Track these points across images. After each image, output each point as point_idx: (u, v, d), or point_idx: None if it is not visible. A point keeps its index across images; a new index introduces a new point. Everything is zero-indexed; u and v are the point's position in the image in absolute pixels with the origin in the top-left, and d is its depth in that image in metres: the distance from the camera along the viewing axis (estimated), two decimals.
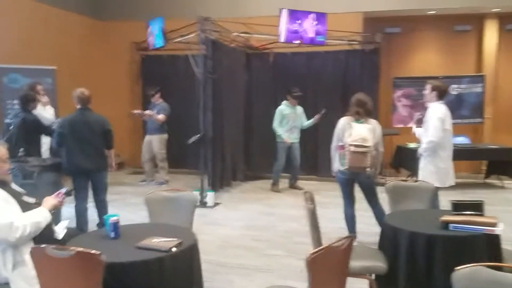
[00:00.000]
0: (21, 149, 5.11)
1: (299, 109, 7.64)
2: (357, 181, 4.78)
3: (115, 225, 2.90)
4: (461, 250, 2.94)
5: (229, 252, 4.78)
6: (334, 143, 4.85)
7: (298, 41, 7.58)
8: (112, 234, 2.89)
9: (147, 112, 8.00)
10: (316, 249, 2.22)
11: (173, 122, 8.59)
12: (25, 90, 6.02)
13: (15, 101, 7.08)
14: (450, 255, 2.93)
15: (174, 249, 2.65)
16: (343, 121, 4.75)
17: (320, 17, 7.54)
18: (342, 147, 4.60)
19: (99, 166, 5.03)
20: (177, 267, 2.65)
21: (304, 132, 7.89)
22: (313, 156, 8.67)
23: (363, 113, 4.65)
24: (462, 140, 8.07)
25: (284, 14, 7.36)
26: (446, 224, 3.03)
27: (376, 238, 4.97)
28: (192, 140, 6.85)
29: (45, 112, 6.13)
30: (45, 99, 6.29)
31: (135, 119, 9.42)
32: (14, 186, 3.19)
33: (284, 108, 7.47)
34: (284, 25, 7.32)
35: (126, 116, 9.14)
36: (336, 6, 8.50)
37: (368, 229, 5.23)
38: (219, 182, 7.38)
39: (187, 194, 3.61)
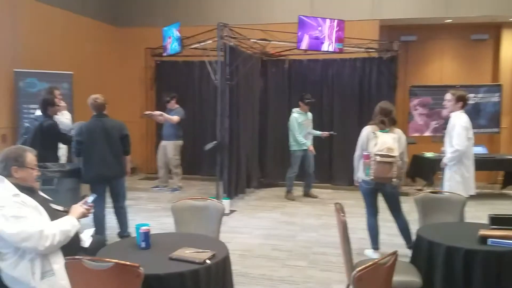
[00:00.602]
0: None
1: (309, 114, 7.59)
2: (381, 191, 4.68)
3: (146, 235, 2.84)
4: (500, 265, 2.85)
5: (251, 261, 4.69)
6: (358, 152, 4.74)
7: (317, 50, 7.52)
8: (143, 244, 2.84)
9: (156, 112, 7.96)
10: (363, 266, 2.14)
11: (187, 128, 8.56)
12: (44, 94, 6.01)
13: (32, 106, 7.09)
14: (490, 271, 2.86)
15: (208, 261, 2.59)
16: (367, 130, 4.64)
17: (339, 24, 7.49)
18: (367, 157, 4.47)
19: (118, 172, 4.97)
20: (211, 280, 2.58)
21: (318, 140, 7.83)
22: (327, 164, 8.60)
23: (388, 122, 4.56)
24: (480, 150, 7.95)
25: (303, 21, 7.31)
26: (484, 239, 2.95)
27: (398, 250, 4.91)
28: (209, 146, 6.79)
29: (62, 117, 6.10)
30: (62, 104, 6.26)
31: (148, 124, 9.41)
32: (41, 193, 3.14)
33: (298, 116, 7.40)
34: (302, 32, 7.25)
35: (139, 122, 9.14)
36: (353, 13, 8.47)
37: (390, 240, 5.16)
38: (234, 189, 7.31)
39: (214, 203, 3.54)
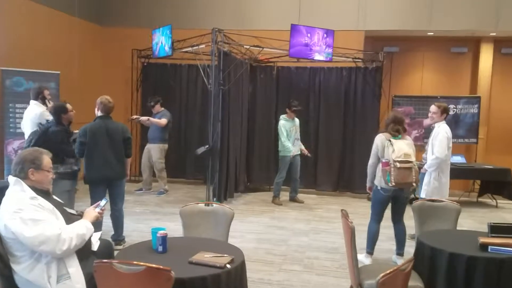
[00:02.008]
0: None
1: (297, 121, 7.73)
2: (395, 198, 4.71)
3: (164, 239, 2.88)
4: (501, 272, 3.01)
5: (247, 266, 4.70)
6: (372, 160, 4.77)
7: (305, 58, 7.68)
8: (160, 248, 2.87)
9: (143, 118, 7.94)
10: (387, 272, 2.25)
11: (172, 132, 8.56)
12: (34, 92, 5.93)
13: (18, 105, 6.97)
14: (491, 277, 3.01)
15: (228, 266, 2.65)
16: (381, 138, 4.70)
17: (328, 33, 7.66)
18: (387, 164, 4.51)
19: (119, 174, 4.97)
20: (230, 284, 2.65)
21: (304, 145, 7.97)
22: (312, 169, 8.73)
23: (401, 130, 4.66)
24: (459, 159, 8.26)
25: (295, 29, 7.45)
26: (485, 246, 3.11)
27: (389, 255, 5.08)
28: (201, 150, 6.82)
29: (51, 118, 6.01)
30: (51, 104, 6.17)
31: (132, 127, 9.32)
32: (54, 196, 3.14)
33: (285, 122, 7.53)
34: (294, 40, 7.39)
35: (124, 123, 9.03)
36: (339, 23, 8.65)
37: (379, 245, 5.28)
38: (223, 194, 7.35)
39: (223, 208, 3.60)
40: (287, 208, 7.47)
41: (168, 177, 8.39)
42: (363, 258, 4.85)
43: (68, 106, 5.25)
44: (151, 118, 7.88)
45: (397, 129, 4.64)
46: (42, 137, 4.81)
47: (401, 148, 4.50)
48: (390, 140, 4.58)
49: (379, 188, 4.71)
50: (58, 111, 5.02)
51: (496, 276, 3.01)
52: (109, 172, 4.88)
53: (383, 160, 4.58)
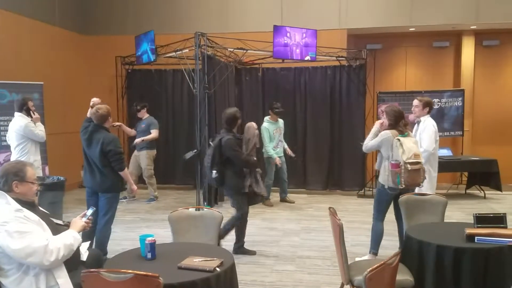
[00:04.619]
0: None
1: (281, 122, 7.75)
2: (397, 196, 4.49)
3: (152, 246, 2.87)
4: (487, 262, 3.05)
5: (240, 268, 4.69)
6: (372, 143, 4.59)
7: (288, 59, 7.72)
8: (149, 255, 2.86)
9: (137, 140, 7.75)
10: (374, 267, 2.27)
11: (160, 137, 8.49)
12: (20, 101, 5.92)
13: (2, 117, 6.91)
14: (478, 267, 3.05)
15: (218, 269, 2.65)
16: (388, 136, 4.45)
17: (311, 33, 7.71)
18: (397, 166, 4.31)
19: (100, 186, 4.72)
20: (220, 287, 2.65)
21: (292, 145, 7.99)
22: (301, 169, 8.76)
23: (406, 125, 4.51)
24: (445, 152, 8.34)
25: (278, 30, 7.48)
26: (471, 237, 3.15)
27: (382, 251, 5.09)
28: (189, 155, 6.81)
29: (36, 130, 5.99)
30: (36, 115, 6.13)
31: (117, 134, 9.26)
32: (40, 208, 3.12)
33: (268, 125, 7.54)
34: (278, 41, 7.43)
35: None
36: (322, 23, 8.71)
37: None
38: (213, 198, 7.35)
39: (211, 212, 3.60)
40: (277, 209, 7.49)
41: (158, 183, 8.35)
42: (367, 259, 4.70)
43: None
44: (144, 138, 7.73)
45: (406, 124, 4.47)
46: (217, 150, 4.96)
47: (410, 148, 4.31)
48: (399, 139, 4.33)
49: (386, 187, 4.52)
50: (235, 119, 5.16)
51: (483, 265, 3.05)
52: (90, 182, 4.76)
53: (392, 162, 4.37)
